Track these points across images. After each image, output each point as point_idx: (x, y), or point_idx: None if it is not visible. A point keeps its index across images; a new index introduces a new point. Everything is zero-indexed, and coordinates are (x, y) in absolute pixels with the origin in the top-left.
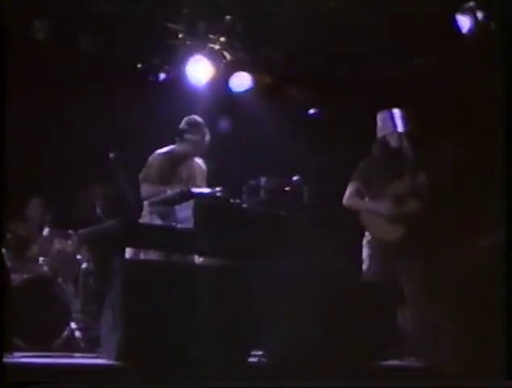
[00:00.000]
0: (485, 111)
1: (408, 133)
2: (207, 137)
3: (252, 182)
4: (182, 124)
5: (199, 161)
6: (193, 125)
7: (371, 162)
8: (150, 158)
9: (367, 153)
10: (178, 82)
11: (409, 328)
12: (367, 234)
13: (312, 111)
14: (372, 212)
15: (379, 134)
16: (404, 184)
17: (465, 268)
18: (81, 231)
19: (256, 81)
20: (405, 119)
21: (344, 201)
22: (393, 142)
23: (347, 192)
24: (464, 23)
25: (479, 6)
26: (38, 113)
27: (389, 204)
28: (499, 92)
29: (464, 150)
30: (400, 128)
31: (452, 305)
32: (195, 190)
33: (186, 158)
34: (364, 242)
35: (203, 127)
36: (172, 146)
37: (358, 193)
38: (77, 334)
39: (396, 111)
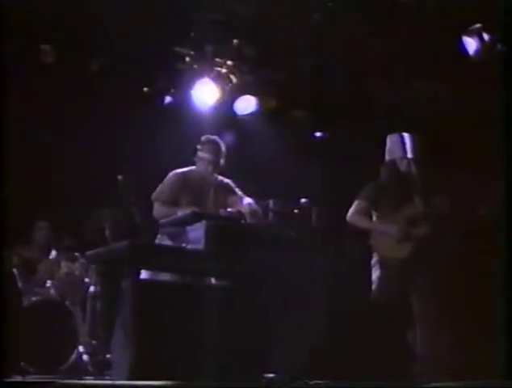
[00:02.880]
0: (492, 135)
1: (417, 159)
2: (223, 155)
3: (260, 204)
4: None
5: (224, 179)
6: (206, 143)
7: (380, 184)
8: (166, 178)
9: (374, 175)
10: (184, 105)
11: (419, 348)
12: (374, 254)
13: (318, 134)
14: (381, 233)
15: (388, 157)
16: (416, 207)
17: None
18: (89, 253)
19: (261, 104)
20: (415, 144)
21: (348, 218)
22: (402, 167)
23: (353, 209)
24: (471, 45)
25: (485, 28)
26: (46, 135)
27: (401, 227)
28: (506, 115)
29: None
30: (409, 153)
31: (453, 309)
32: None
33: (203, 177)
34: (372, 262)
35: (217, 144)
36: (192, 167)
37: (366, 212)
38: (85, 357)
39: (407, 136)
